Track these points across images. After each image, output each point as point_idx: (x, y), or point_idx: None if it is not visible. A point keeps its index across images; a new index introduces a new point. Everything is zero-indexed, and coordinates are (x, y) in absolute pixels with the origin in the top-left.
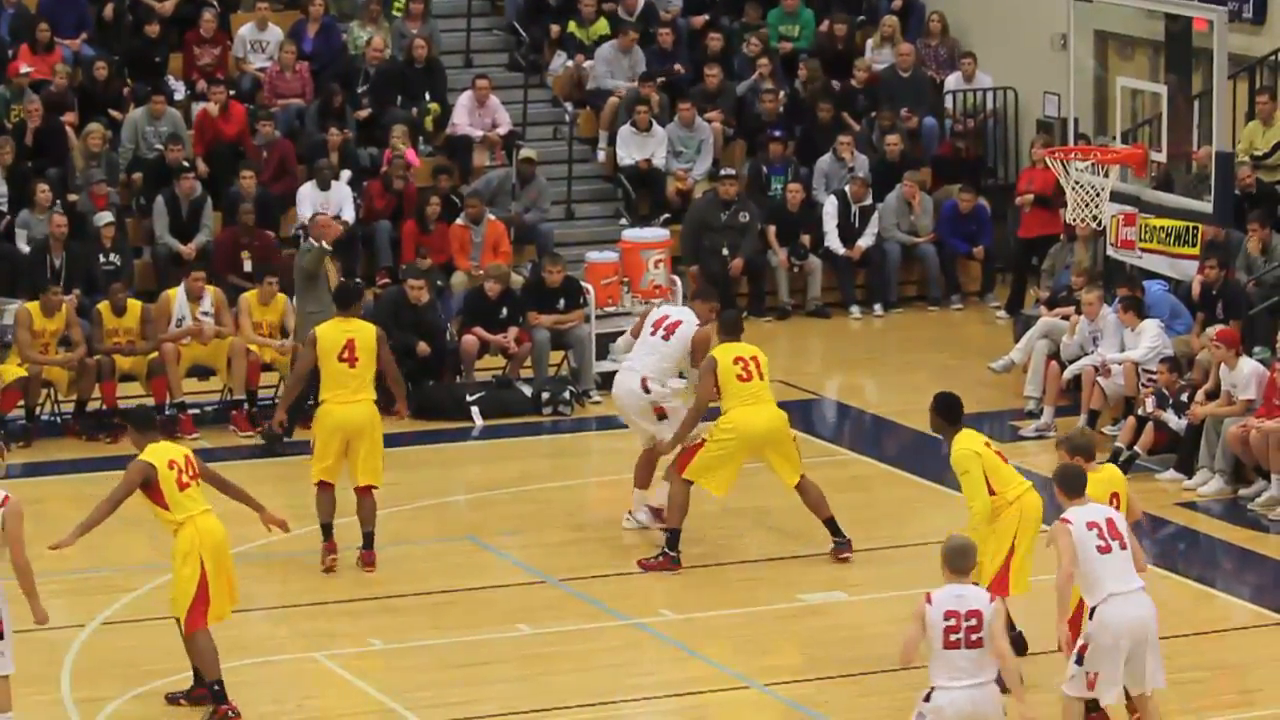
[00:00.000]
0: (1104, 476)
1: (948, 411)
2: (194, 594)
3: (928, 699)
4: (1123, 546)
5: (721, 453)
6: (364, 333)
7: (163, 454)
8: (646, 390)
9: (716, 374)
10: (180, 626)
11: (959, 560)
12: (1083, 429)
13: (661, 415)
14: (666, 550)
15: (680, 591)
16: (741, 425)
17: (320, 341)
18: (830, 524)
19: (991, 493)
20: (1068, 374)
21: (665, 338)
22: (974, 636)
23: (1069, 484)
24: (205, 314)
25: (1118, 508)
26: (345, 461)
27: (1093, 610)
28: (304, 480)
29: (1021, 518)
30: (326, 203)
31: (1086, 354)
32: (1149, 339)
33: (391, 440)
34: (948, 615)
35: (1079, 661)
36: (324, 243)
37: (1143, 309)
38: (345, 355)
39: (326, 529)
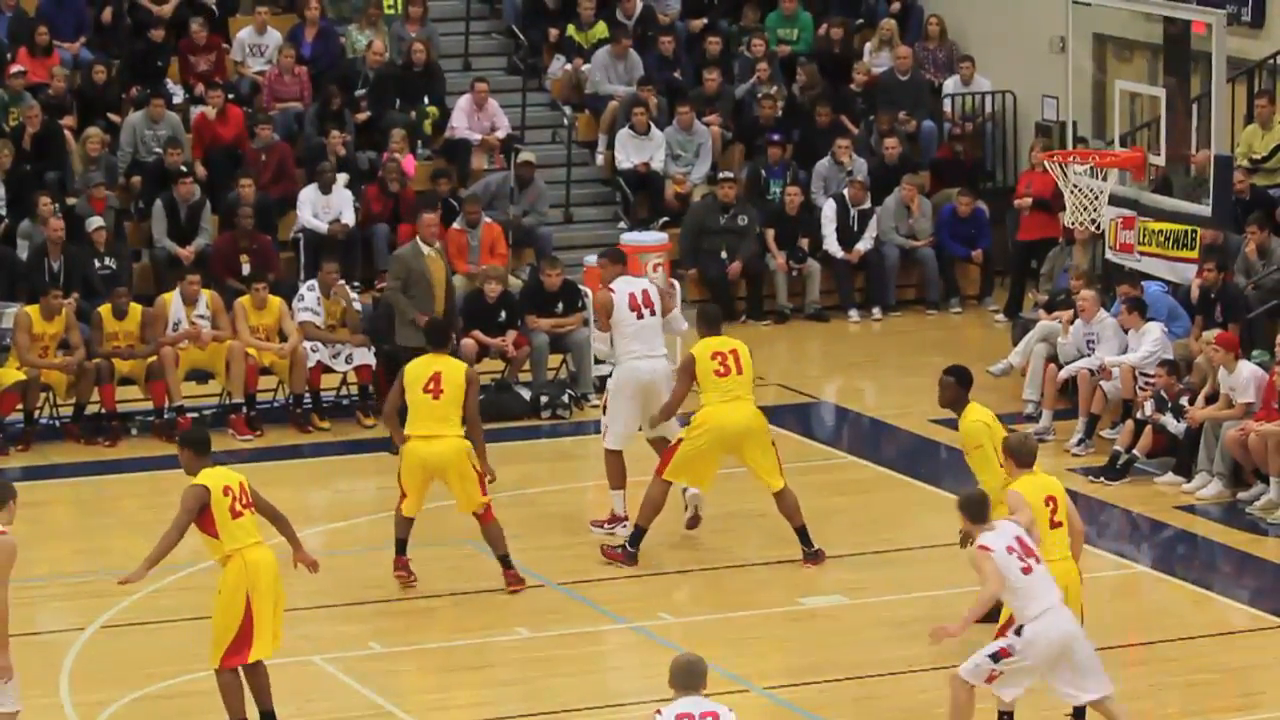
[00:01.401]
0: (1041, 482)
1: (965, 381)
2: (235, 634)
3: (1018, 632)
4: (1038, 562)
5: (698, 451)
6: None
7: (218, 479)
8: None
9: (694, 370)
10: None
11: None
12: (1024, 435)
13: None
14: (628, 546)
15: (680, 595)
16: (714, 421)
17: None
18: (801, 533)
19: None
20: (1063, 374)
21: (653, 313)
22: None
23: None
24: (201, 317)
25: (1055, 510)
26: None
27: (1020, 628)
28: (302, 485)
29: None
30: (327, 206)
31: (1081, 356)
32: (1150, 342)
33: (385, 444)
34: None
35: (994, 659)
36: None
37: (1145, 310)
38: (430, 387)
39: (400, 544)
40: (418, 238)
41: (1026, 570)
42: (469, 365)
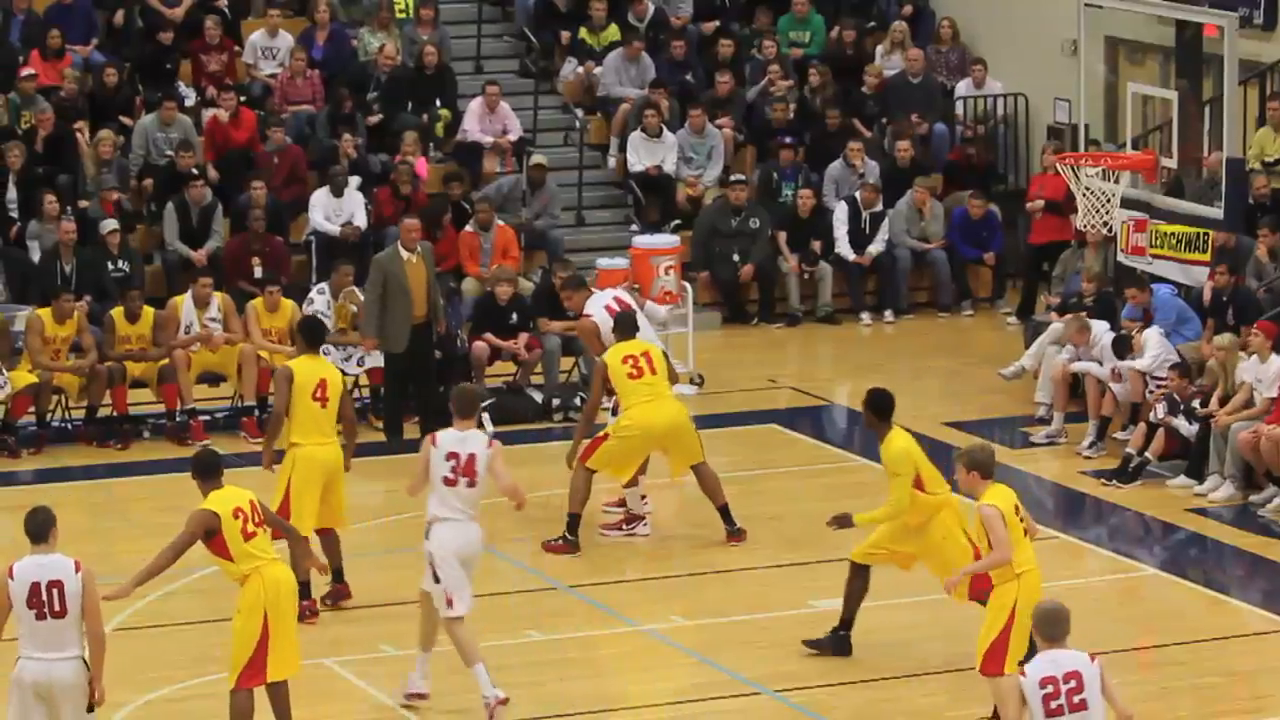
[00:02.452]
0: (1006, 492)
1: (880, 407)
2: (252, 652)
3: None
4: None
5: (624, 447)
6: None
7: (227, 502)
8: None
9: (608, 376)
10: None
11: (1052, 628)
12: (983, 444)
13: None
14: (567, 535)
15: (691, 597)
16: (642, 421)
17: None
18: (724, 511)
19: (922, 489)
20: (1073, 367)
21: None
22: (1076, 699)
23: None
24: (212, 320)
25: (1023, 519)
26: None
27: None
28: None
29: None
30: (339, 209)
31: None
32: (1153, 347)
33: (405, 446)
34: (1044, 683)
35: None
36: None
37: (1151, 320)
38: (318, 395)
39: (338, 573)
40: (399, 242)
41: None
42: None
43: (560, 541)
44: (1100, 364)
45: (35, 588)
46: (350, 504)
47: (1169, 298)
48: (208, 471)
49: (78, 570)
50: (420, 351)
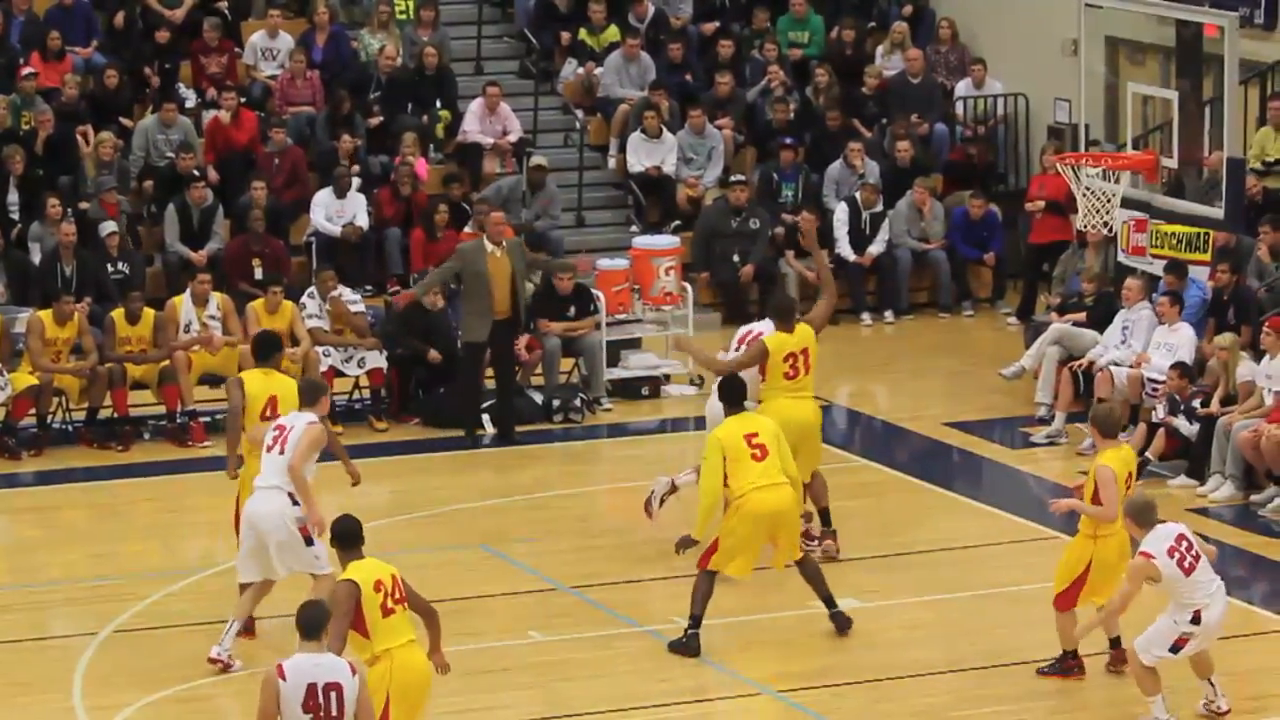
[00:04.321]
0: (1121, 455)
1: (725, 393)
2: None
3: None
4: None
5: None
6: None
7: (369, 573)
8: None
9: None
10: None
11: (1147, 514)
12: (1109, 407)
13: None
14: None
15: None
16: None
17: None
18: (824, 514)
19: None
20: (1102, 362)
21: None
22: (1191, 555)
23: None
24: (212, 318)
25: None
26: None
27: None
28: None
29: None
30: (342, 210)
31: (1106, 355)
32: (1187, 350)
33: (404, 447)
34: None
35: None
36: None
37: (1184, 306)
38: (267, 414)
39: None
40: (485, 234)
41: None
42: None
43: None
44: (1130, 331)
45: (312, 690)
46: (356, 505)
47: (1199, 298)
48: (348, 540)
49: (354, 673)
50: (499, 349)
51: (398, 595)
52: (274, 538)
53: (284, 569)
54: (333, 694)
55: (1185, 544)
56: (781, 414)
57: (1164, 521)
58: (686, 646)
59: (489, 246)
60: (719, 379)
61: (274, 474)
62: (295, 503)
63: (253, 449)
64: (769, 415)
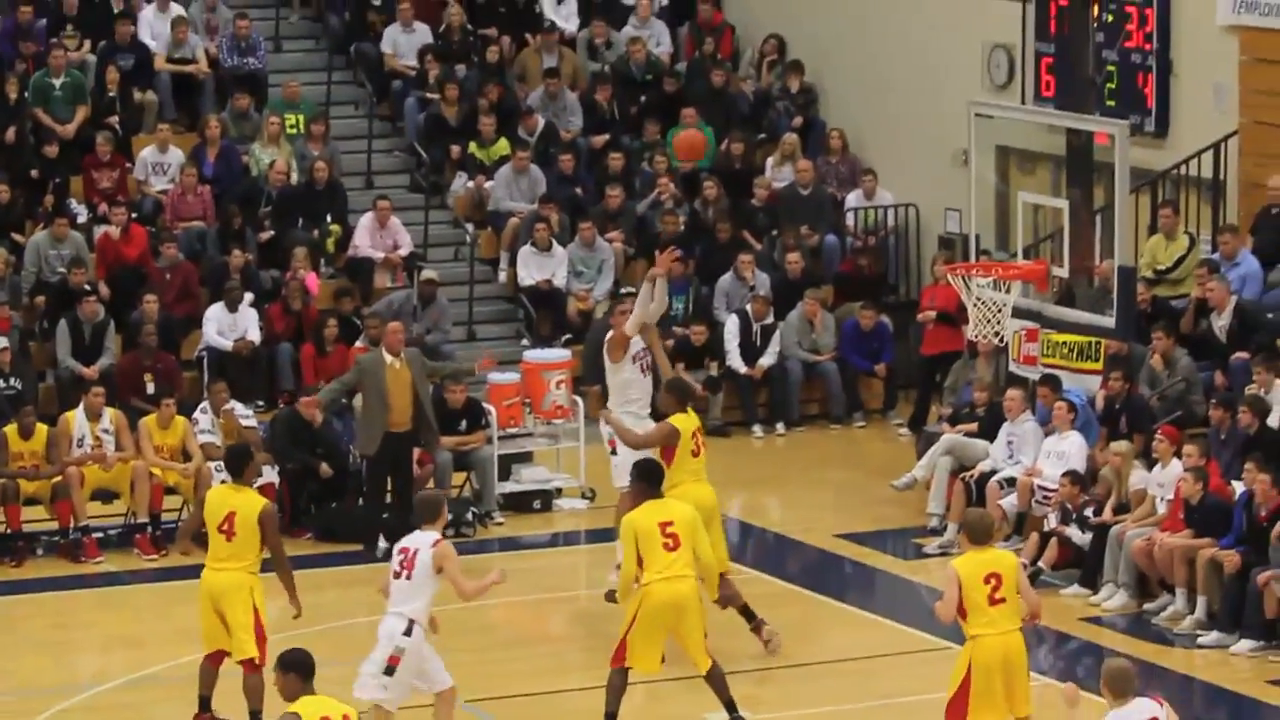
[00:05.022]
0: (975, 558)
1: (644, 475)
2: None
3: None
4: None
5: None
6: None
7: (316, 709)
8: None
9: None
10: None
11: (1122, 684)
12: (981, 512)
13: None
14: None
15: (586, 712)
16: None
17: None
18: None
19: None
20: (981, 467)
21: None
22: None
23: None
24: (105, 432)
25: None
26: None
27: None
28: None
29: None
30: (234, 324)
31: (998, 470)
32: (1078, 457)
33: (296, 562)
34: None
35: None
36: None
37: (1077, 410)
38: (224, 527)
39: (203, 701)
40: (383, 345)
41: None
42: (266, 502)
43: None
44: (1016, 444)
45: None
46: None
47: (1079, 404)
48: (301, 670)
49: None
50: (398, 462)
51: None
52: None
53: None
54: None
55: None
56: (689, 498)
57: (1145, 695)
58: None
59: (388, 358)
60: (636, 464)
61: (401, 600)
62: (409, 634)
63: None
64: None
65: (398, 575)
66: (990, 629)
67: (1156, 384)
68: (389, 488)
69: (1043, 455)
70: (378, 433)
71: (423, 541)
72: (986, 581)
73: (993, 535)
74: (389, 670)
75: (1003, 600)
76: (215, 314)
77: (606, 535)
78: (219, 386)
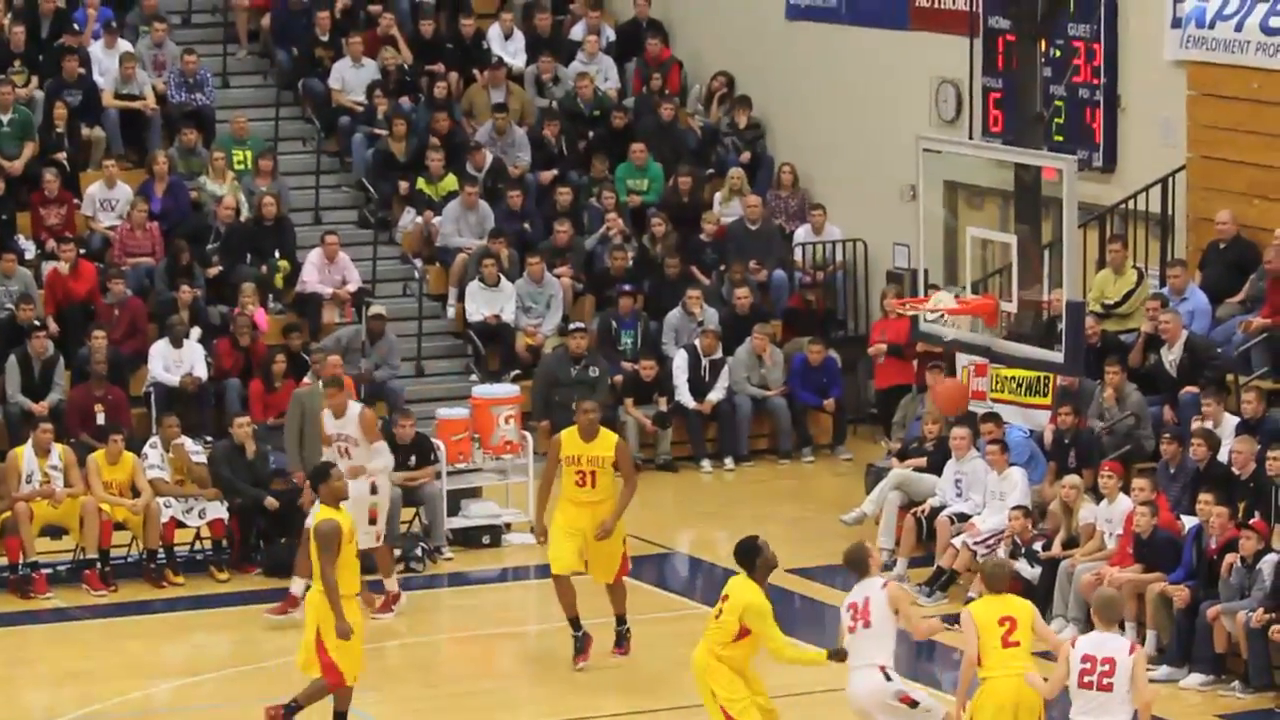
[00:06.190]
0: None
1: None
2: None
3: None
4: (866, 627)
5: None
6: None
7: None
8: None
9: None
10: None
11: (1109, 612)
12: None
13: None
14: None
15: None
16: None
17: None
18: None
19: None
20: (930, 503)
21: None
22: (1105, 681)
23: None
24: (54, 468)
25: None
26: None
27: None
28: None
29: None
30: (180, 360)
31: (947, 504)
32: (1020, 492)
33: (245, 598)
34: (1084, 659)
35: None
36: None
37: (1008, 450)
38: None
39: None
40: (320, 379)
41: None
42: (319, 520)
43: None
44: (964, 482)
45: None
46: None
47: (1021, 439)
48: None
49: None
50: None
51: None
52: (882, 716)
53: None
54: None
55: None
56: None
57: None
58: None
59: (323, 389)
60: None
61: (863, 653)
62: (889, 678)
63: None
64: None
65: (853, 630)
66: (1001, 669)
67: (1105, 418)
68: None
69: (987, 494)
70: (314, 463)
71: (871, 589)
72: (1001, 624)
73: (1008, 584)
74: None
75: (1016, 644)
76: (160, 350)
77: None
78: (170, 420)
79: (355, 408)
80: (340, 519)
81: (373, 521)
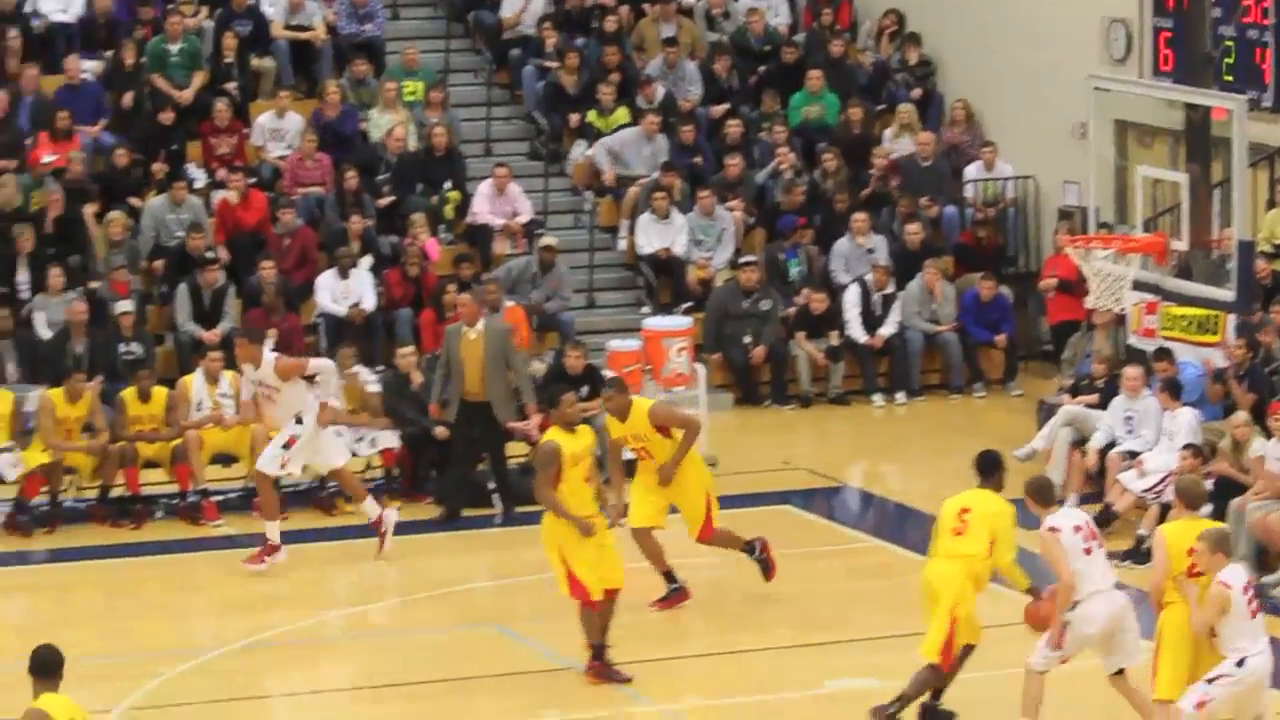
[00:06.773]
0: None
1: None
2: None
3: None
4: (1101, 546)
5: None
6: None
7: (61, 710)
8: None
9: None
10: None
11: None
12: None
13: None
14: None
15: (709, 677)
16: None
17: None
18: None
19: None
20: (1094, 442)
21: None
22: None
23: (1041, 494)
24: (224, 396)
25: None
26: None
27: (1075, 604)
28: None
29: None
30: (346, 290)
31: (1117, 440)
32: (1187, 431)
33: (412, 527)
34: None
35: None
36: None
37: (1179, 391)
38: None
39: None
40: (490, 307)
41: (1087, 551)
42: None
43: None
44: (1135, 420)
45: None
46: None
47: (1195, 376)
48: (45, 670)
49: None
50: (480, 432)
51: None
52: (1120, 636)
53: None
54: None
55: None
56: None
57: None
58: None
59: (464, 329)
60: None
61: (1107, 574)
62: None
63: None
64: None
65: (1089, 551)
66: (1180, 599)
67: (1273, 358)
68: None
69: (1159, 432)
70: (455, 400)
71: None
72: (1189, 554)
73: (1204, 500)
74: None
75: (1200, 573)
76: (327, 281)
77: (728, 501)
78: (347, 350)
79: (270, 358)
80: (563, 441)
81: (286, 447)
